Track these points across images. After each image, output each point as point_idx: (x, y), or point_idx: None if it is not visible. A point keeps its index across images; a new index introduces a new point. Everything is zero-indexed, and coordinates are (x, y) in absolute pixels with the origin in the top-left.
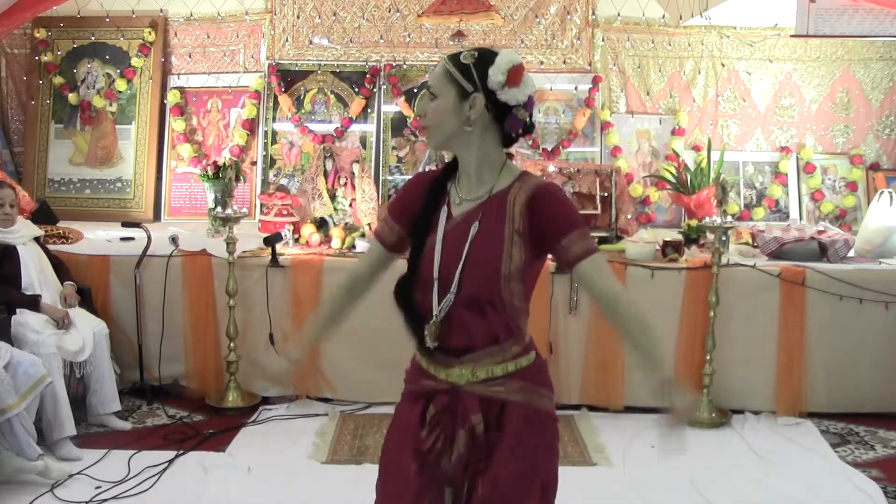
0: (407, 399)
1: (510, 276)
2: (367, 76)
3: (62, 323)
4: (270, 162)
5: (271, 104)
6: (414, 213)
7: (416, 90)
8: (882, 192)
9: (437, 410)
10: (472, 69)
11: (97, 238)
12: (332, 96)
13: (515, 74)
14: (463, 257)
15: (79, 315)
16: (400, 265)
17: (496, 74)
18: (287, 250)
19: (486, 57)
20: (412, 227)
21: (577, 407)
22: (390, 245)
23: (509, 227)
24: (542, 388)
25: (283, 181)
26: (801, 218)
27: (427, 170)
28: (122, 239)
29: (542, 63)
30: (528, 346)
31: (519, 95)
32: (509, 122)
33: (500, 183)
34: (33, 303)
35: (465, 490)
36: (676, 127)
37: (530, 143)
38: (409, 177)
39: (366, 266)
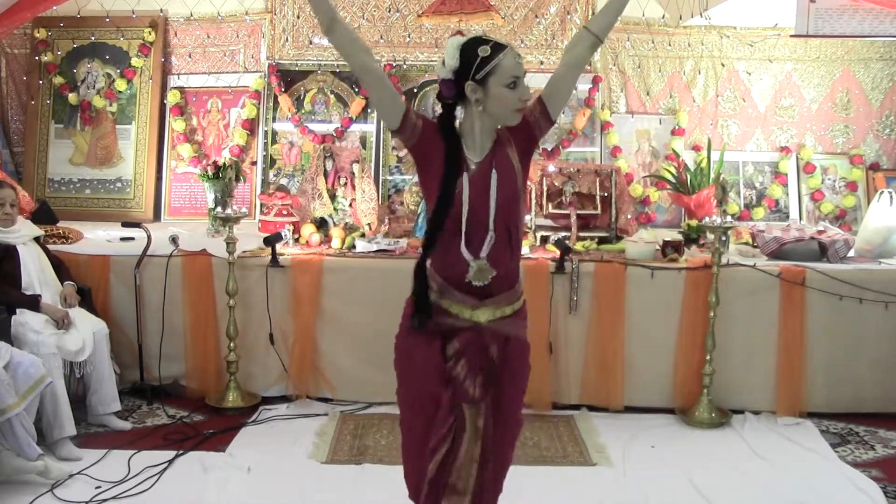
0: (421, 335)
1: (520, 194)
2: None
3: (62, 323)
4: (270, 162)
5: (271, 104)
6: (432, 136)
7: (415, 90)
8: (882, 192)
9: (461, 345)
10: None
11: (97, 238)
12: (332, 96)
13: None
14: (492, 198)
15: (79, 315)
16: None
17: None
18: (287, 250)
19: None
20: (431, 157)
21: (577, 407)
22: (410, 116)
23: (513, 156)
24: (525, 322)
25: (283, 181)
26: (801, 218)
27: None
28: (122, 239)
29: (542, 63)
30: (522, 291)
31: None
32: None
33: (496, 135)
34: (33, 303)
35: (483, 408)
36: (676, 127)
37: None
38: (409, 177)
39: (373, 68)
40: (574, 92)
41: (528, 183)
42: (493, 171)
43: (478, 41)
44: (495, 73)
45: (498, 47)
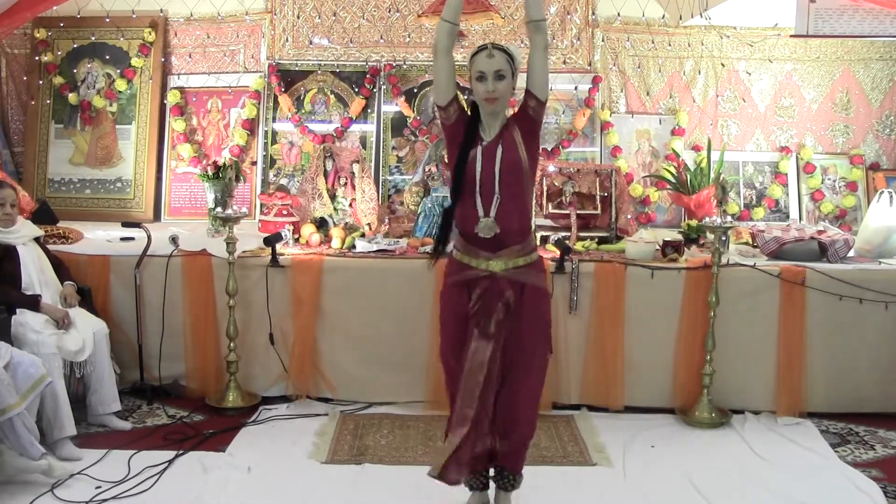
0: (452, 286)
1: (524, 166)
2: (367, 76)
3: (62, 323)
4: (270, 162)
5: (271, 104)
6: (462, 121)
7: (415, 90)
8: (882, 192)
9: (481, 291)
10: (514, 58)
11: (97, 238)
12: (332, 96)
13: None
14: (497, 166)
15: (79, 315)
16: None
17: (520, 60)
18: (287, 250)
19: (512, 52)
20: (459, 130)
21: (577, 407)
22: (455, 100)
23: (517, 136)
24: (542, 274)
25: (283, 181)
26: (800, 218)
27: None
28: (122, 239)
29: None
30: (535, 247)
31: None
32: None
33: (506, 119)
34: (33, 303)
35: (498, 344)
36: (676, 127)
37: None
38: (409, 177)
39: (454, 70)
40: (574, 92)
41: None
42: (500, 146)
43: (480, 48)
44: (471, 69)
45: (479, 49)
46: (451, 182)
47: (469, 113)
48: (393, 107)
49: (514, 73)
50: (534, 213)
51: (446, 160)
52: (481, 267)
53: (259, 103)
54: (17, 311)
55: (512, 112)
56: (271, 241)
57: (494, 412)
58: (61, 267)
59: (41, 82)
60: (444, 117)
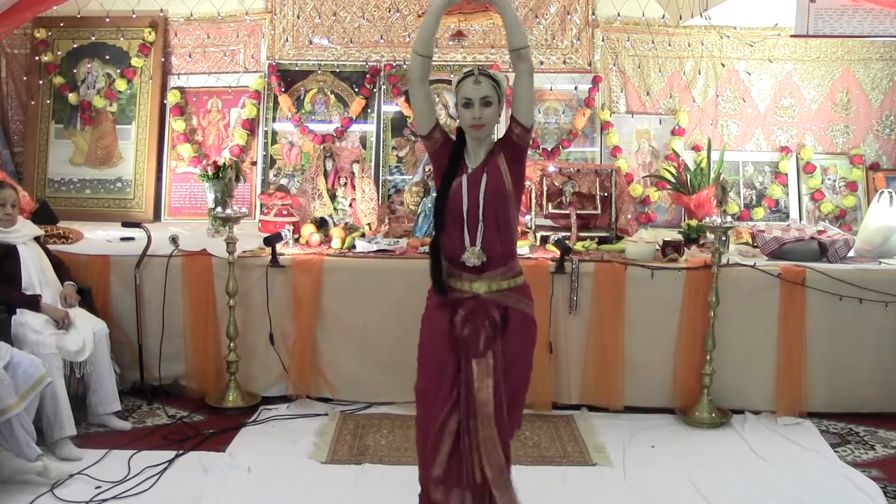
0: (435, 308)
1: (510, 194)
2: (367, 76)
3: (62, 323)
4: (270, 162)
5: (271, 104)
6: (447, 145)
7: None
8: (882, 192)
9: (466, 312)
10: (500, 84)
11: (97, 238)
12: (332, 96)
13: None
14: (482, 195)
15: (79, 315)
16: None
17: (506, 87)
18: (287, 250)
19: (499, 77)
20: (443, 159)
21: (577, 407)
22: (436, 128)
23: (502, 163)
24: (528, 300)
25: (283, 181)
26: (801, 218)
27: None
28: (122, 239)
29: (542, 63)
30: (520, 271)
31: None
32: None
33: (492, 146)
34: (33, 303)
35: (490, 361)
36: (676, 127)
37: (530, 142)
38: (409, 177)
39: (431, 100)
40: (574, 92)
41: (528, 183)
42: (485, 174)
43: (466, 73)
44: (457, 95)
45: (466, 75)
46: (434, 212)
47: (455, 138)
48: (393, 107)
49: (500, 99)
50: (534, 213)
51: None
52: (465, 288)
53: (259, 103)
54: (17, 311)
55: (497, 138)
56: (271, 241)
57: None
58: (61, 267)
59: (41, 82)
60: (428, 145)
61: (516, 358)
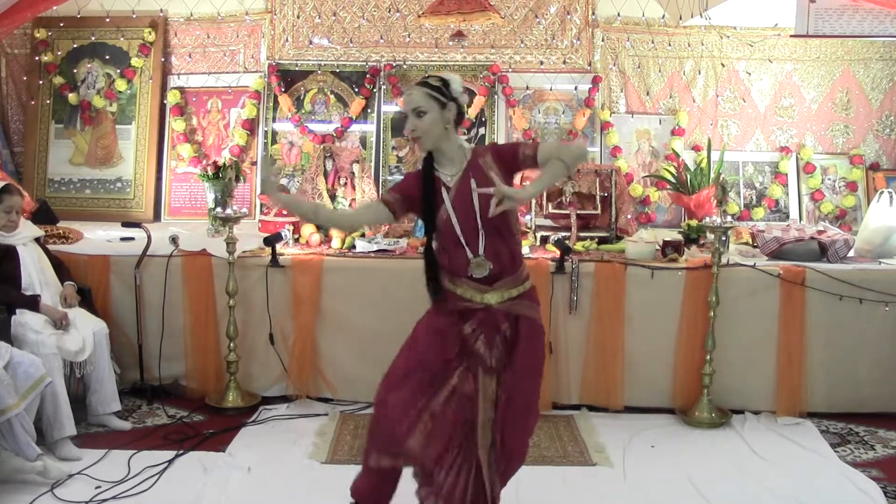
0: (436, 313)
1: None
2: (367, 76)
3: (60, 324)
4: (270, 162)
5: (271, 104)
6: (412, 196)
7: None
8: (882, 192)
9: (477, 324)
10: (444, 88)
11: (97, 238)
12: (332, 96)
13: (462, 88)
14: (476, 205)
15: (79, 315)
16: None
17: (458, 88)
18: (287, 250)
19: (444, 79)
20: (418, 209)
21: (577, 407)
22: (393, 208)
23: (494, 175)
24: (537, 306)
25: (283, 181)
26: (800, 218)
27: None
28: (122, 239)
29: (542, 63)
30: (528, 275)
31: (465, 100)
32: (461, 117)
33: (467, 155)
34: (32, 303)
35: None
36: (676, 127)
37: (530, 142)
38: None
39: (365, 219)
40: (574, 92)
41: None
42: (472, 188)
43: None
44: None
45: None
46: (425, 232)
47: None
48: (393, 107)
49: (443, 103)
50: (534, 213)
51: None
52: (476, 299)
53: (259, 103)
54: (17, 311)
55: (488, 147)
56: (271, 241)
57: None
58: (61, 267)
59: (41, 82)
60: (403, 213)
61: (527, 371)
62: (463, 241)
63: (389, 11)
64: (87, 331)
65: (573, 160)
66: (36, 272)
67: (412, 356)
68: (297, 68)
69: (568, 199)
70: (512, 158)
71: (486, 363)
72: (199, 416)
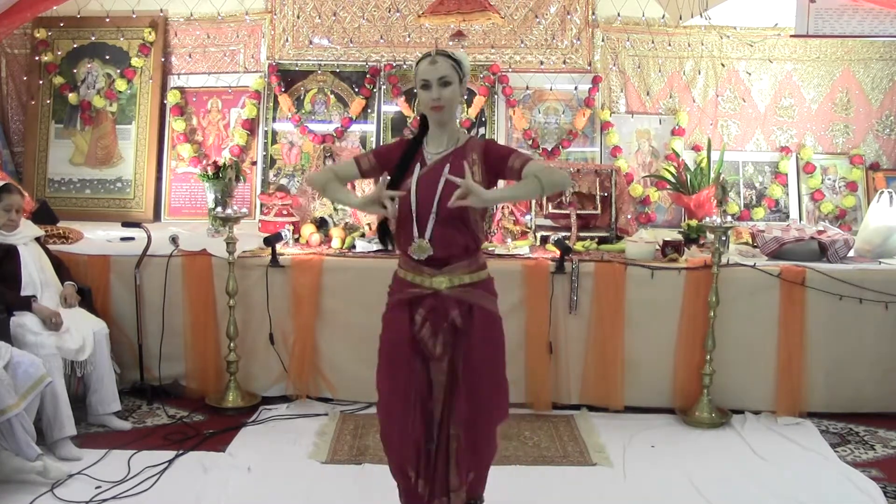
0: (396, 306)
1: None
2: (367, 76)
3: (50, 322)
4: (270, 162)
5: (271, 104)
6: (391, 161)
7: (415, 90)
8: (882, 192)
9: (426, 311)
10: (461, 64)
11: (97, 238)
12: (332, 96)
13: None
14: (439, 189)
15: (79, 315)
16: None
17: (468, 67)
18: (287, 250)
19: (457, 57)
20: (391, 170)
21: (577, 407)
22: (364, 171)
23: (477, 171)
24: (492, 296)
25: (283, 181)
26: (800, 218)
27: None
28: (122, 239)
29: (542, 63)
30: (484, 264)
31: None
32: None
33: (460, 141)
34: (25, 304)
35: (446, 365)
36: (676, 127)
37: (530, 142)
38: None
39: (341, 175)
40: (574, 92)
41: None
42: (444, 174)
43: (424, 55)
44: (416, 78)
45: (423, 57)
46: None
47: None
48: (393, 107)
49: (461, 79)
50: (534, 213)
51: None
52: (425, 284)
53: (259, 103)
54: (16, 312)
55: (483, 142)
56: (271, 241)
57: (441, 439)
58: (61, 267)
59: (41, 82)
60: (373, 175)
61: (483, 364)
62: (414, 218)
63: (389, 11)
64: (87, 331)
65: (550, 186)
66: (36, 272)
67: (396, 383)
68: (297, 68)
69: (568, 199)
70: (500, 163)
71: (432, 351)
72: (199, 416)
